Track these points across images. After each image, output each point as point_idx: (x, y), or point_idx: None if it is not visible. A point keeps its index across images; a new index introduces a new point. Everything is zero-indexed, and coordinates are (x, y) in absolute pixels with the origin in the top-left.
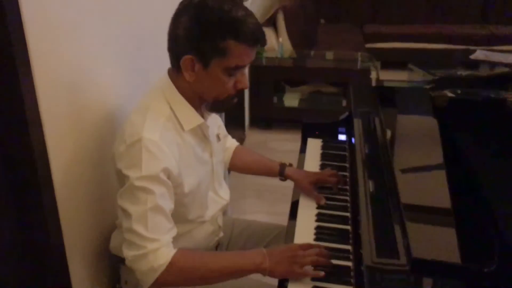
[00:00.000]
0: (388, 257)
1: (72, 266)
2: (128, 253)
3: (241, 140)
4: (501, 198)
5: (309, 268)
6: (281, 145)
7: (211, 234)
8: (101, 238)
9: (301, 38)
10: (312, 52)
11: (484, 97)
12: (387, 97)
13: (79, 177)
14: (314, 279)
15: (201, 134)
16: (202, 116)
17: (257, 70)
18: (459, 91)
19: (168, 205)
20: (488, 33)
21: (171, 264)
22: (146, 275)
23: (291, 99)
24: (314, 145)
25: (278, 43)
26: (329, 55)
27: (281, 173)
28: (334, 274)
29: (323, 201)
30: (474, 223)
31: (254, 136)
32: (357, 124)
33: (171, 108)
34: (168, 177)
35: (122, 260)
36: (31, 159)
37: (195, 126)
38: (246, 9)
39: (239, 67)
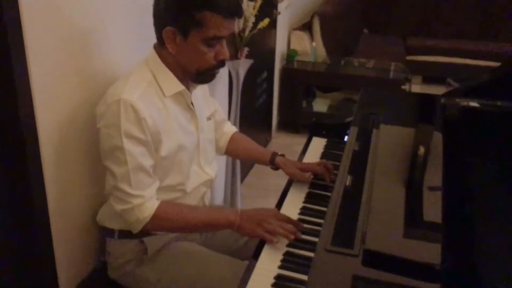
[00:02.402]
0: (341, 246)
1: (56, 238)
2: (117, 207)
3: (266, 141)
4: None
5: (266, 233)
6: None
7: None
8: (89, 212)
9: (336, 44)
10: (345, 59)
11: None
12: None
13: (67, 147)
14: (288, 244)
15: (184, 103)
16: (188, 88)
17: (288, 73)
18: (476, 101)
19: (148, 161)
20: None
21: (154, 216)
22: (134, 225)
23: (321, 105)
24: (318, 144)
25: (311, 48)
26: (362, 63)
27: (272, 161)
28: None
29: (307, 175)
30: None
31: (280, 139)
32: (353, 129)
33: (154, 76)
34: (148, 130)
35: (108, 232)
36: (18, 129)
37: (177, 93)
38: None
39: (217, 38)
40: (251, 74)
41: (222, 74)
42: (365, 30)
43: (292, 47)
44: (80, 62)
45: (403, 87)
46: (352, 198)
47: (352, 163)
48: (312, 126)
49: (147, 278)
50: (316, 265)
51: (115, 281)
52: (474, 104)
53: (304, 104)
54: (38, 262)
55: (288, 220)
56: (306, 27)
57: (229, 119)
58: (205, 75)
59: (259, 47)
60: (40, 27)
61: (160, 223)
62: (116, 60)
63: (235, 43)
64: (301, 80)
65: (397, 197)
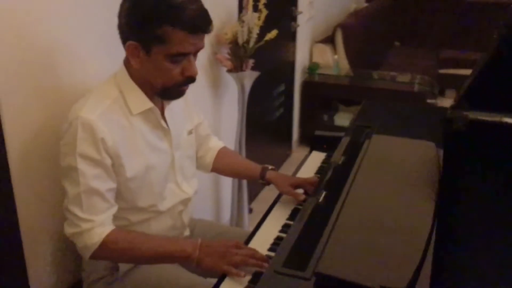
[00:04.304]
0: (293, 268)
1: (29, 255)
2: (67, 230)
3: (285, 156)
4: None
5: (231, 267)
6: None
7: (171, 229)
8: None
9: (360, 57)
10: (369, 72)
11: None
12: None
13: (37, 164)
14: (251, 280)
15: (154, 120)
16: (162, 104)
17: (309, 86)
18: (487, 114)
19: (104, 185)
20: None
21: (103, 243)
22: (82, 251)
23: (343, 118)
24: (316, 158)
25: (334, 61)
26: (386, 76)
27: (262, 176)
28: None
29: (301, 197)
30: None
31: (301, 153)
32: (343, 142)
33: (120, 92)
34: (106, 152)
35: None
36: None
37: (146, 111)
38: None
39: (181, 54)
40: (266, 86)
41: (230, 86)
42: (397, 43)
43: (314, 60)
44: (45, 79)
45: (429, 101)
46: (321, 216)
47: (331, 178)
48: (314, 139)
49: None
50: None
51: None
52: (484, 117)
53: (325, 118)
54: (11, 277)
55: (252, 253)
56: (329, 40)
57: (235, 131)
58: (171, 91)
59: (276, 60)
60: (4, 48)
61: (109, 251)
62: (85, 75)
63: (239, 54)
64: (322, 94)
65: (368, 219)
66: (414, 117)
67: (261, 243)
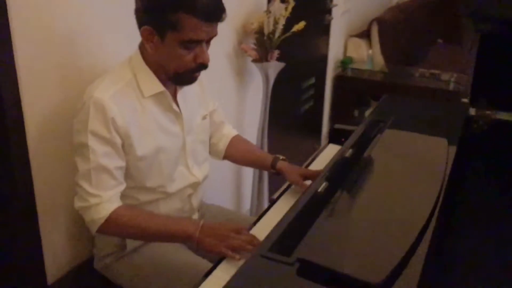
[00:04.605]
0: (278, 253)
1: (44, 228)
2: (76, 203)
3: (313, 149)
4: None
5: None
6: None
7: (179, 211)
8: None
9: (397, 53)
10: (404, 68)
11: None
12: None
13: (53, 140)
14: None
15: (166, 103)
16: (175, 88)
17: (340, 80)
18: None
19: (113, 163)
20: None
21: (109, 218)
22: (89, 225)
23: None
24: (331, 151)
25: (368, 55)
26: (422, 73)
27: (273, 166)
28: None
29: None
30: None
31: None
32: (355, 135)
33: (134, 75)
34: (116, 131)
35: None
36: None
37: (157, 94)
38: None
39: (194, 41)
40: (294, 78)
41: (255, 76)
42: (439, 40)
43: (348, 54)
44: (65, 59)
45: (463, 100)
46: (317, 205)
47: (334, 170)
48: (333, 132)
49: (122, 273)
50: (244, 269)
51: (99, 273)
52: (507, 117)
53: (356, 113)
54: (25, 250)
55: (251, 240)
56: (365, 34)
57: (258, 121)
58: (183, 77)
59: (307, 52)
60: (27, 29)
61: (114, 227)
62: (104, 56)
63: (265, 45)
64: (355, 88)
65: (362, 211)
66: (432, 113)
67: (262, 230)
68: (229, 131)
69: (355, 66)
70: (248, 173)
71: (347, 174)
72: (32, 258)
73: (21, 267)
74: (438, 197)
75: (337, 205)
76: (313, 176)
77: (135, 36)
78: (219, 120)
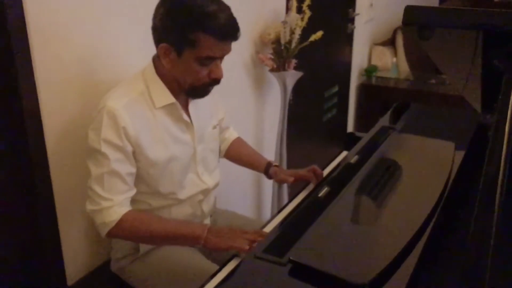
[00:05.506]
0: (272, 254)
1: (64, 231)
2: (88, 207)
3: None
4: None
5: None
6: None
7: (191, 216)
8: None
9: (423, 61)
10: (429, 77)
11: None
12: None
13: (72, 144)
14: None
15: (177, 114)
16: (186, 100)
17: (365, 89)
18: None
19: (125, 169)
20: None
21: (120, 221)
22: (100, 228)
23: None
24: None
25: (392, 63)
26: (447, 80)
27: (266, 171)
28: None
29: (291, 180)
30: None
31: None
32: (363, 140)
33: (147, 87)
34: (128, 139)
35: None
36: (22, 120)
37: (168, 105)
38: (221, 4)
39: (210, 58)
40: (316, 87)
41: (273, 86)
42: None
43: (373, 62)
44: (83, 72)
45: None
46: (316, 209)
47: (337, 175)
48: (347, 139)
49: (136, 275)
50: (239, 270)
51: (116, 275)
52: None
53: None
54: (45, 252)
55: (255, 238)
56: (389, 42)
57: (277, 129)
58: (198, 91)
59: (329, 61)
60: (45, 44)
61: (124, 230)
62: (118, 69)
63: (282, 54)
64: (379, 97)
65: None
66: (444, 120)
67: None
68: (230, 134)
69: (379, 74)
70: (268, 180)
71: (349, 180)
72: (52, 261)
73: (42, 269)
74: (437, 203)
75: (334, 208)
76: (302, 175)
77: (148, 50)
78: (224, 126)
